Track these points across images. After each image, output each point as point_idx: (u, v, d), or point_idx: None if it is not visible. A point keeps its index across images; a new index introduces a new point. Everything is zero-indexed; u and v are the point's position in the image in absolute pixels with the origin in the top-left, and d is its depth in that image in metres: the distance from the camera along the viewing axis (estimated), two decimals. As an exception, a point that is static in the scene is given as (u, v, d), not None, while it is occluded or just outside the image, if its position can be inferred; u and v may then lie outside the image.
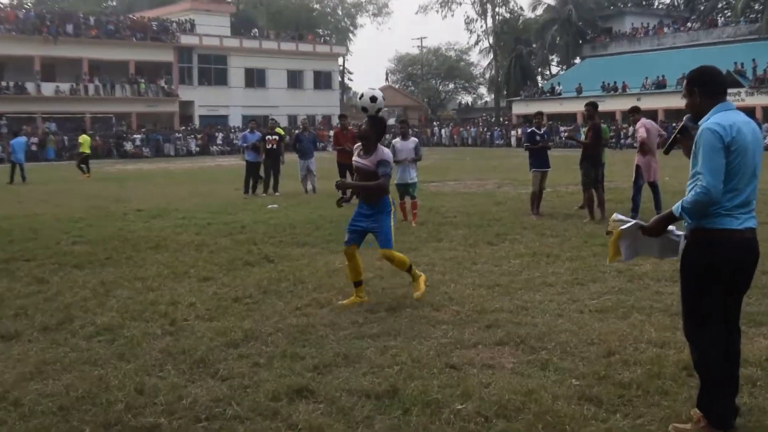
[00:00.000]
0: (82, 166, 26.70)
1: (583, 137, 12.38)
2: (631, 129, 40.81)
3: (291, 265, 8.38)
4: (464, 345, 5.26)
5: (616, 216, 3.89)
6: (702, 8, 67.55)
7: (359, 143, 6.64)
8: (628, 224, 3.87)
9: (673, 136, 4.20)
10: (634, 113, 12.21)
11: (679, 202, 3.63)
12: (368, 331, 5.66)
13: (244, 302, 6.71)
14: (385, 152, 6.42)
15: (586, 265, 8.10)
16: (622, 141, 44.26)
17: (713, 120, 3.61)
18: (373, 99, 6.42)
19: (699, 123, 3.72)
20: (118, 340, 5.55)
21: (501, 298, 6.64)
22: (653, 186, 11.97)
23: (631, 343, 5.18)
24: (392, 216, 6.54)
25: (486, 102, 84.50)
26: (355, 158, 6.58)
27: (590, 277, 7.42)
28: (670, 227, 3.80)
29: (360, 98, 6.51)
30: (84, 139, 27.46)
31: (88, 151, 27.13)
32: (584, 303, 6.40)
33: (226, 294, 7.03)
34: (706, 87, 3.73)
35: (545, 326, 5.66)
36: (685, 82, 3.83)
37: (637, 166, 11.92)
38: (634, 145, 15.90)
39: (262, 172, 18.27)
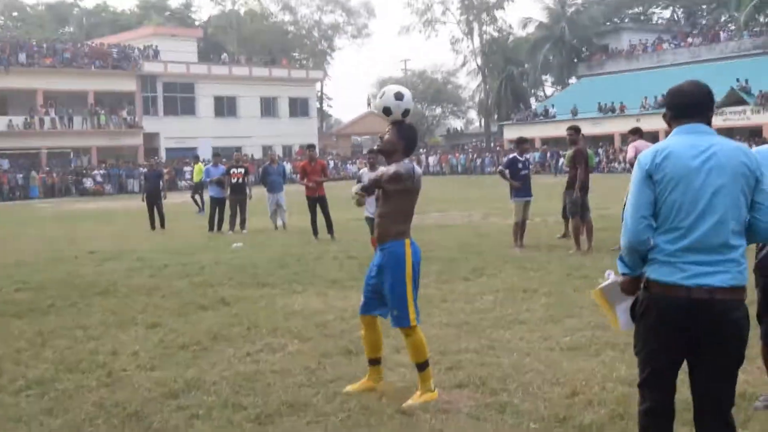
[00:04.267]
0: (196, 197, 25.69)
1: (565, 163, 12.57)
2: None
3: (247, 308, 8.44)
4: (421, 389, 5.31)
5: (608, 274, 3.58)
6: (704, 22, 68.87)
7: (369, 161, 4.83)
8: (607, 282, 3.56)
9: None
10: (634, 134, 12.08)
11: None
12: (320, 378, 5.71)
13: (190, 349, 6.74)
14: (408, 165, 5.05)
15: (565, 300, 8.21)
16: (621, 164, 44.68)
17: (653, 146, 3.43)
18: (399, 96, 5.09)
19: None
20: (48, 394, 5.56)
21: (467, 338, 6.72)
22: None
23: (598, 382, 5.25)
24: (408, 266, 5.11)
25: (476, 127, 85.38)
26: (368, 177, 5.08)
27: (566, 313, 7.51)
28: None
29: (381, 97, 5.13)
30: (198, 168, 25.69)
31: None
32: (556, 340, 6.49)
33: (172, 341, 7.06)
34: (672, 109, 3.44)
35: (510, 366, 5.74)
36: None
37: None
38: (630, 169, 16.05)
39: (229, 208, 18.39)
